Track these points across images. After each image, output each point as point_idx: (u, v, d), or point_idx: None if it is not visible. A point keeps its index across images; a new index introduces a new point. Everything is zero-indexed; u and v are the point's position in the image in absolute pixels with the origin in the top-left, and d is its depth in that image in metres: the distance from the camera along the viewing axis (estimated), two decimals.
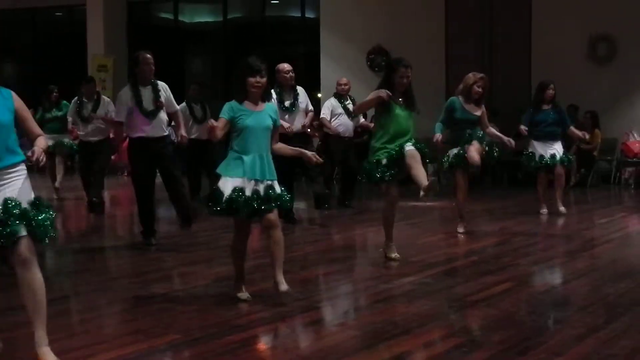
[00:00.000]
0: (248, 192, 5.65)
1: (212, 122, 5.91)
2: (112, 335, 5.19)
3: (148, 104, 8.12)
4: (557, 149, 10.52)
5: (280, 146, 6.09)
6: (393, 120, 7.04)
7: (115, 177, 17.90)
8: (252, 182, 5.68)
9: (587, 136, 11.37)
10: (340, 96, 11.31)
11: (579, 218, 11.03)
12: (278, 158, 5.97)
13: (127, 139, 8.61)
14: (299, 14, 18.93)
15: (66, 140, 12.64)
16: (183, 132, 8.55)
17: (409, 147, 7.01)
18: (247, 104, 5.80)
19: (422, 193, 6.88)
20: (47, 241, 4.35)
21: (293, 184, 10.04)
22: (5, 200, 4.19)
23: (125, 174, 18.06)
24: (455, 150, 8.88)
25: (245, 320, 5.37)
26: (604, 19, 14.95)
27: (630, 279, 6.59)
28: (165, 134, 8.30)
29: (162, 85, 8.30)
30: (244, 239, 5.94)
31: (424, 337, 4.94)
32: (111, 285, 6.74)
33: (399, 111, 7.06)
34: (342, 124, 11.28)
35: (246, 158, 5.69)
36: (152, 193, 8.34)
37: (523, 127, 10.52)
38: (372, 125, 11.52)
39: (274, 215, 5.77)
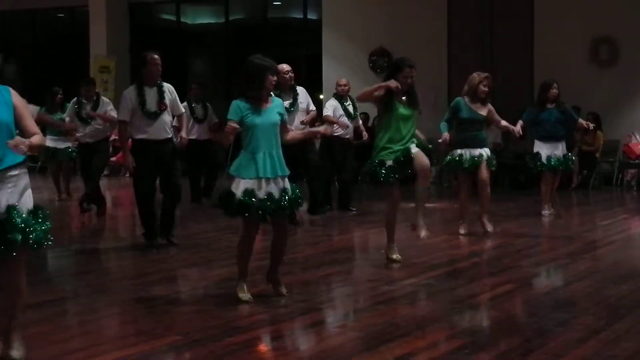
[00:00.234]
0: (261, 194, 5.67)
1: (233, 125, 5.81)
2: (112, 336, 5.19)
3: (151, 105, 8.10)
4: (559, 150, 10.50)
5: (292, 136, 6.15)
6: (396, 119, 7.06)
7: (117, 178, 17.90)
8: (265, 181, 5.70)
9: (592, 126, 11.35)
10: (340, 97, 11.27)
11: (581, 220, 11.02)
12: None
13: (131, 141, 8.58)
14: (301, 15, 18.92)
15: (65, 146, 12.64)
16: (184, 134, 8.51)
17: (415, 149, 7.04)
18: (255, 102, 5.79)
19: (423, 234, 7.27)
20: (39, 247, 4.32)
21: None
22: (9, 209, 4.18)
23: (127, 175, 18.07)
24: (460, 152, 8.88)
25: (246, 321, 5.36)
26: (606, 22, 14.93)
27: (632, 281, 6.58)
28: (169, 136, 8.26)
29: (168, 87, 8.27)
30: (251, 239, 5.94)
31: (426, 339, 4.93)
32: (112, 287, 6.74)
33: (403, 110, 7.07)
34: (344, 125, 11.23)
35: (258, 157, 5.69)
36: (153, 195, 8.31)
37: (521, 123, 10.35)
38: (365, 135, 11.57)
39: (284, 220, 5.81)
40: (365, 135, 11.66)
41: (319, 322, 5.51)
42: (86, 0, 19.61)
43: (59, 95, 12.72)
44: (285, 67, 9.80)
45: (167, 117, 8.22)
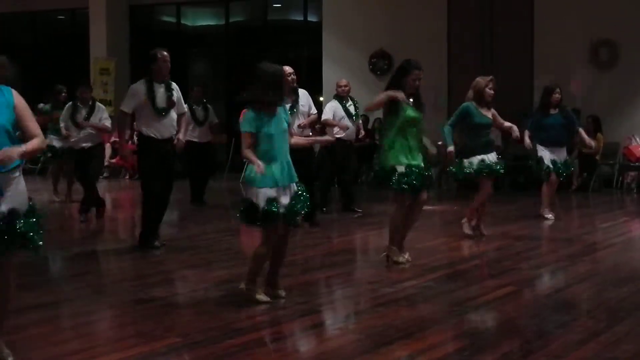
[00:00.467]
0: (283, 201, 5.69)
1: (252, 159, 5.72)
2: (112, 338, 5.19)
3: (161, 101, 8.11)
4: (562, 154, 10.49)
5: (295, 141, 6.15)
6: (404, 122, 7.09)
7: (117, 180, 17.91)
8: (282, 189, 5.71)
9: (593, 144, 11.33)
10: (341, 98, 11.24)
11: (581, 222, 11.02)
12: None
13: (133, 143, 8.57)
14: (301, 18, 18.93)
15: (68, 146, 12.62)
16: (181, 135, 8.48)
17: (423, 195, 7.24)
18: (269, 110, 5.76)
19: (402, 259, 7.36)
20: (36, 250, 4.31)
21: None
22: (12, 212, 4.17)
23: (127, 177, 18.08)
24: (479, 158, 8.82)
25: (246, 323, 5.36)
26: (606, 24, 14.94)
27: (632, 284, 6.58)
28: (173, 135, 8.28)
29: (174, 85, 8.30)
30: (272, 246, 5.90)
31: (426, 341, 4.93)
32: (111, 288, 6.74)
33: (410, 112, 7.10)
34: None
35: (274, 166, 5.69)
36: (160, 195, 8.29)
37: (528, 134, 10.38)
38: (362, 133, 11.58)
39: (292, 224, 5.89)
40: (362, 133, 11.66)
41: (319, 324, 5.51)
42: (86, 2, 19.63)
43: (63, 94, 12.70)
44: (287, 69, 9.79)
45: (174, 115, 8.25)
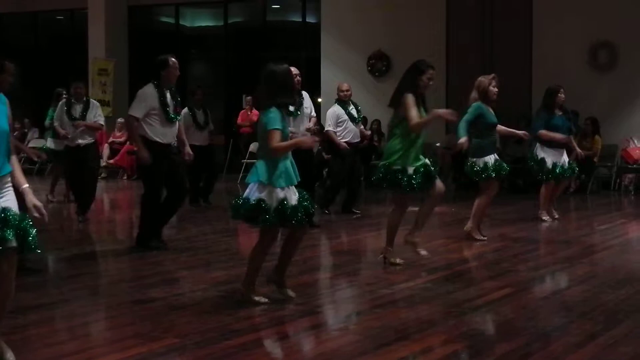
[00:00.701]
0: (293, 202, 5.69)
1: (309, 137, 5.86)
2: (110, 339, 5.18)
3: (171, 108, 8.14)
4: (565, 157, 10.48)
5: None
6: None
7: (115, 181, 17.90)
8: (291, 189, 5.72)
9: (583, 156, 11.32)
10: (343, 102, 11.21)
11: (579, 224, 11.02)
12: None
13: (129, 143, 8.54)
14: (299, 19, 18.94)
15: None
16: (187, 147, 8.51)
17: (439, 183, 7.26)
18: (284, 109, 5.81)
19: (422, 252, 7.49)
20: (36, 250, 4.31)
21: None
22: (4, 210, 4.19)
23: (125, 177, 18.08)
24: (492, 158, 8.80)
25: (244, 324, 5.36)
26: (605, 26, 14.96)
27: (630, 286, 6.58)
28: (175, 142, 8.31)
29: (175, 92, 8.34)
30: (272, 245, 5.97)
31: (423, 343, 4.93)
32: (110, 289, 6.74)
33: (423, 114, 7.14)
34: (349, 130, 11.15)
35: (288, 165, 5.71)
36: (161, 196, 8.34)
37: (544, 132, 10.33)
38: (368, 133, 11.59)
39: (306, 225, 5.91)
40: (367, 134, 11.68)
41: (317, 325, 5.51)
42: (85, 3, 19.63)
43: (64, 96, 12.69)
44: (294, 70, 9.78)
45: (179, 123, 8.35)
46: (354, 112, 11.17)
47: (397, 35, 16.38)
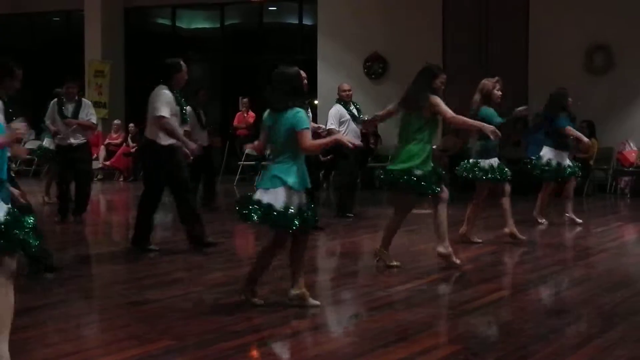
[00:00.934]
0: (304, 205, 5.66)
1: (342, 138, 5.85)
2: (106, 340, 5.18)
3: (185, 110, 8.17)
4: (567, 160, 10.50)
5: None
6: (437, 129, 7.24)
7: (111, 182, 17.88)
8: (302, 192, 5.70)
9: (590, 144, 11.45)
10: (345, 102, 11.19)
11: (575, 227, 11.03)
12: None
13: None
14: (296, 21, 18.93)
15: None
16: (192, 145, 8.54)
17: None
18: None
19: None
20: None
21: None
22: (9, 211, 4.17)
23: (121, 179, 18.06)
24: (496, 161, 8.79)
25: (241, 326, 5.36)
26: (601, 29, 14.98)
27: (625, 289, 6.59)
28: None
29: None
30: (283, 248, 5.92)
31: (420, 345, 4.93)
32: (105, 291, 6.73)
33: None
34: (351, 129, 11.09)
35: (305, 168, 5.68)
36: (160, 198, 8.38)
37: (571, 129, 10.30)
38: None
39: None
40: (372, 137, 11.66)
41: (313, 327, 5.51)
42: (82, 4, 19.60)
43: (59, 93, 12.64)
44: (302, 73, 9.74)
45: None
46: (355, 111, 11.15)
47: (393, 37, 16.38)
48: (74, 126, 10.64)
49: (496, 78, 8.84)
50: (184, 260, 7.92)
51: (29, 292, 6.28)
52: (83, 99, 11.20)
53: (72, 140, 10.69)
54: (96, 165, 17.98)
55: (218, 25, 19.76)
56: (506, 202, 8.91)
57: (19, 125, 4.00)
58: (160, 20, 20.68)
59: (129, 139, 18.34)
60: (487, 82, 8.75)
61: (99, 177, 18.09)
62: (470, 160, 8.90)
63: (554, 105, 10.46)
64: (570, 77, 14.84)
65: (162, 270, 7.50)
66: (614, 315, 5.67)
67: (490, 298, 6.24)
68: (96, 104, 19.21)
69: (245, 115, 17.42)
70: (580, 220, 10.57)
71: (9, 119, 5.00)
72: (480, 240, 8.94)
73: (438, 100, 7.10)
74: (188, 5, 20.10)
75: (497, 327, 5.51)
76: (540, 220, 10.51)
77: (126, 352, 4.72)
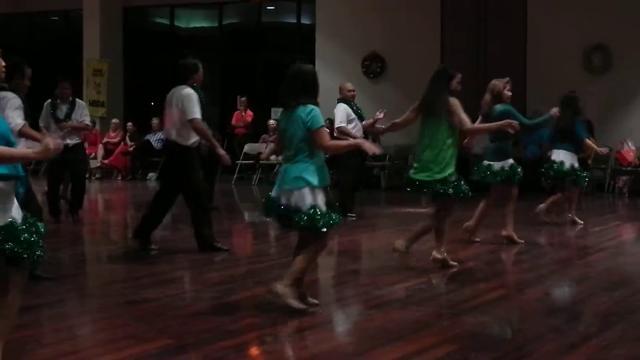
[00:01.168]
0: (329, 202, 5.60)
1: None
2: (104, 340, 5.17)
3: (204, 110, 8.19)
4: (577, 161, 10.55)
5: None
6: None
7: (109, 181, 17.87)
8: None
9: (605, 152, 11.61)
10: (349, 102, 11.15)
11: (573, 226, 11.03)
12: None
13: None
14: (294, 21, 18.94)
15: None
16: (221, 150, 8.53)
17: None
18: None
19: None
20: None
21: None
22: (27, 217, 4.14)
23: (119, 178, 18.05)
24: (510, 162, 8.78)
25: (238, 325, 5.36)
26: (600, 29, 14.99)
27: (624, 288, 6.59)
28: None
29: None
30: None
31: (417, 344, 4.93)
32: (104, 290, 6.73)
33: None
34: (358, 128, 11.02)
35: (323, 165, 5.60)
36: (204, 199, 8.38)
37: (590, 143, 10.62)
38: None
39: None
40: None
41: (311, 326, 5.50)
42: (80, 4, 19.60)
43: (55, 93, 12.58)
44: None
45: None
46: (359, 111, 11.11)
47: (391, 36, 16.39)
48: (68, 129, 10.56)
49: (507, 79, 8.77)
50: (182, 260, 7.92)
51: (27, 291, 6.26)
52: (77, 99, 11.06)
53: (67, 141, 10.62)
54: (94, 164, 18.00)
55: (216, 24, 19.76)
56: (510, 205, 8.89)
57: (50, 141, 3.95)
58: (159, 20, 20.68)
59: (127, 138, 18.34)
60: (497, 82, 8.71)
61: (97, 175, 18.09)
62: (484, 163, 8.86)
63: (569, 110, 10.40)
64: (569, 77, 14.86)
65: (161, 269, 7.49)
66: (612, 315, 5.67)
67: (488, 297, 6.24)
68: (94, 103, 19.30)
69: (243, 114, 17.43)
70: (582, 222, 10.56)
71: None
72: (478, 240, 8.94)
73: (457, 106, 7.06)
74: (186, 4, 20.10)
75: (495, 327, 5.51)
76: (578, 221, 10.52)
77: (124, 352, 4.72)
